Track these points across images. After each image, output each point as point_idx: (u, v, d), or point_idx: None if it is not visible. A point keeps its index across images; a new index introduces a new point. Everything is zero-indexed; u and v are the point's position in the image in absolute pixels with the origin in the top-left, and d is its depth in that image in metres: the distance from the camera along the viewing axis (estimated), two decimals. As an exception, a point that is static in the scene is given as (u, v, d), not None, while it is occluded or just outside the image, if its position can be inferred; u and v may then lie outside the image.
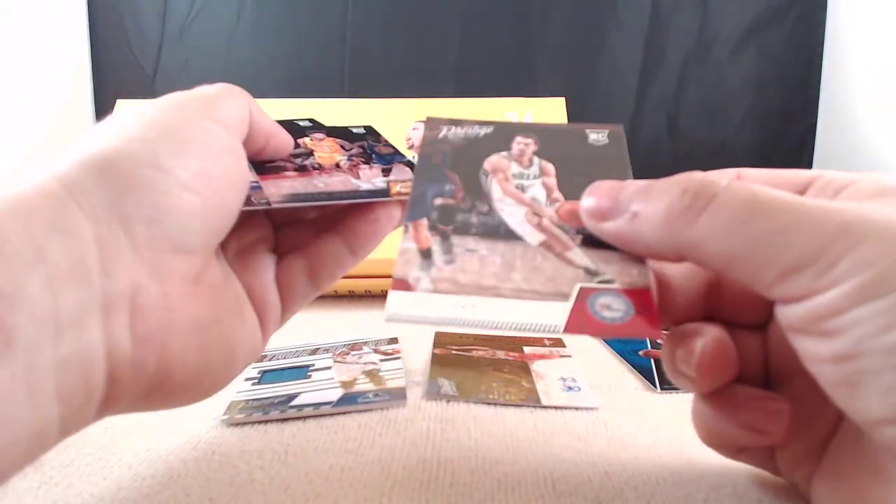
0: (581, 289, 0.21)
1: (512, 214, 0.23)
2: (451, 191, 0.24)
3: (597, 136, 0.26)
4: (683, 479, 0.27)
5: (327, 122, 0.32)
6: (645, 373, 0.39)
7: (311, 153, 0.29)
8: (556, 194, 0.24)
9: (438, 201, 0.24)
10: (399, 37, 0.90)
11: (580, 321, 0.20)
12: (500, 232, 0.23)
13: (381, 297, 0.60)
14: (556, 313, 0.20)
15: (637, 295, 0.20)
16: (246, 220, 0.26)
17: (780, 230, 0.17)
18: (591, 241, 0.22)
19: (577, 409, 0.34)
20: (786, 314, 0.18)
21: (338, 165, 0.29)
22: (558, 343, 0.45)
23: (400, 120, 0.63)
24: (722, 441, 0.24)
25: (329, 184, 0.28)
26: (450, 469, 0.27)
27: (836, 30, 0.92)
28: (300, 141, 0.29)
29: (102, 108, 0.87)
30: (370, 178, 0.29)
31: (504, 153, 0.25)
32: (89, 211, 0.18)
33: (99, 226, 0.18)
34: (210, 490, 0.25)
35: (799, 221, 0.17)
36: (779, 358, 0.23)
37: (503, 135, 0.26)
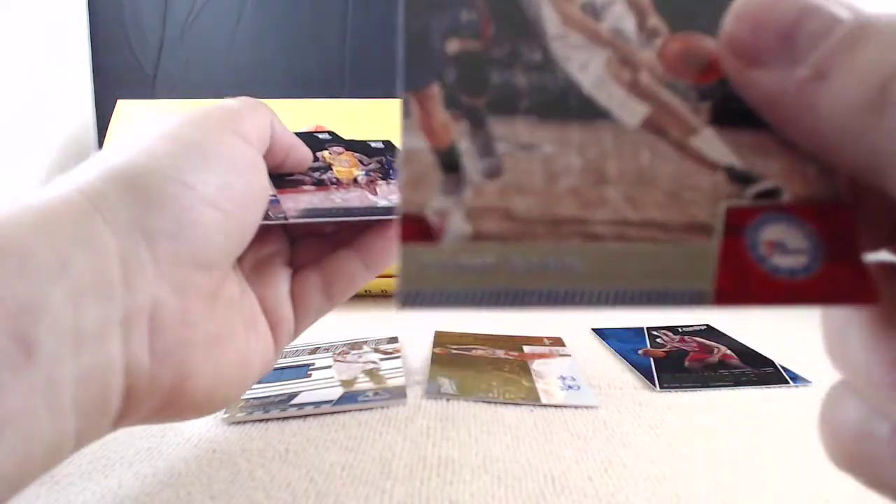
0: (730, 212, 0.12)
1: (585, 64, 0.13)
2: (472, 22, 0.13)
3: None
4: (683, 477, 0.27)
5: (327, 123, 0.32)
6: (644, 371, 0.40)
7: (329, 167, 0.29)
8: (654, 21, 0.13)
9: (454, 45, 0.13)
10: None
11: (739, 279, 0.11)
12: (571, 103, 0.13)
13: (381, 296, 0.60)
14: (692, 267, 0.12)
15: (826, 219, 0.12)
16: (263, 233, 0.26)
17: None
18: (732, 114, 0.13)
19: (576, 407, 0.34)
20: None
21: (355, 180, 0.29)
22: (558, 342, 0.45)
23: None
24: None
25: (346, 199, 0.28)
26: (450, 466, 0.27)
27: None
28: (319, 154, 0.29)
29: (102, 108, 0.87)
30: (387, 194, 0.29)
31: None
32: (113, 224, 0.18)
33: (122, 240, 0.18)
34: (211, 488, 0.25)
35: None
36: None
37: None
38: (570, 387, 0.37)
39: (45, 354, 0.15)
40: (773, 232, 0.12)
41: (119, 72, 0.88)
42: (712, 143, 0.13)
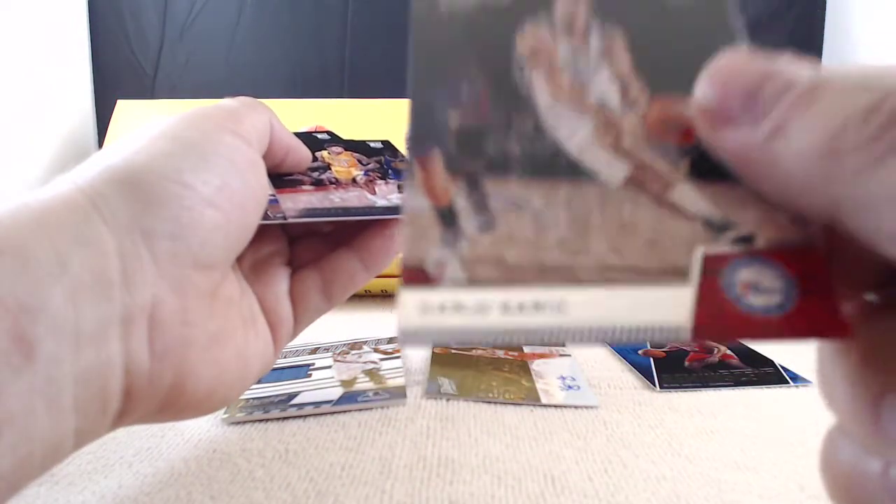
0: (707, 257, 0.13)
1: (573, 133, 0.15)
2: (471, 98, 0.15)
3: None
4: (682, 477, 0.27)
5: (327, 123, 0.32)
6: (644, 371, 0.40)
7: (328, 167, 0.29)
8: (636, 88, 0.15)
9: (455, 117, 0.15)
10: (399, 37, 0.90)
11: (715, 316, 0.12)
12: (560, 166, 0.14)
13: (381, 296, 0.60)
14: (671, 305, 0.12)
15: (799, 262, 0.13)
16: (262, 233, 0.26)
17: None
18: (707, 169, 0.14)
19: (576, 407, 0.34)
20: None
21: (354, 180, 0.29)
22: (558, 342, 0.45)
23: (399, 120, 0.63)
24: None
25: (345, 199, 0.28)
26: (450, 467, 0.27)
27: (835, 30, 0.92)
28: (318, 154, 0.29)
29: (102, 108, 0.87)
30: (386, 194, 0.29)
31: (544, 22, 0.16)
32: (113, 224, 0.18)
33: (122, 239, 0.18)
34: (211, 488, 0.25)
35: None
36: None
37: None
38: (570, 387, 0.37)
39: (44, 354, 0.15)
40: (747, 274, 0.13)
41: (119, 72, 0.88)
42: (689, 197, 0.14)
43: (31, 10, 0.77)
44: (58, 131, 0.81)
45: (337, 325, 0.50)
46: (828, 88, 0.12)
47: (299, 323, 0.27)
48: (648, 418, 0.33)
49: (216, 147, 0.21)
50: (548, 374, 0.38)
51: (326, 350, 0.42)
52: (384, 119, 0.63)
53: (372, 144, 0.32)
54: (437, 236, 0.14)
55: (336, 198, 0.28)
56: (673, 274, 0.13)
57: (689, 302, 0.12)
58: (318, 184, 0.28)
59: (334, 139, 0.31)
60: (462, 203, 0.14)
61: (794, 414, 0.34)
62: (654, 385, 0.38)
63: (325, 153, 0.30)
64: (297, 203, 0.26)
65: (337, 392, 0.35)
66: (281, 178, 0.27)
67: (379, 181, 0.30)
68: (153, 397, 0.19)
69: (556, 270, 0.13)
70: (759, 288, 0.12)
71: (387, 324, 0.51)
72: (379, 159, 0.31)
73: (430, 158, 0.15)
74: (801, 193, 0.12)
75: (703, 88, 0.13)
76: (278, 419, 0.32)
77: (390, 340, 0.45)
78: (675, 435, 0.31)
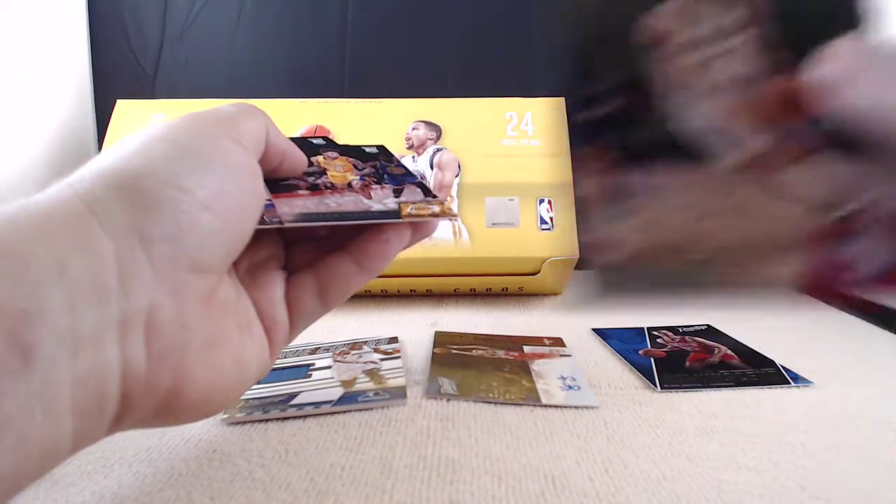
0: (810, 235, 0.17)
1: (696, 114, 0.19)
2: (609, 93, 0.19)
3: None
4: (683, 477, 0.27)
5: (327, 123, 0.32)
6: (645, 372, 0.40)
7: (323, 172, 0.29)
8: (758, 64, 0.19)
9: (600, 111, 0.18)
10: (399, 37, 0.90)
11: (824, 277, 0.15)
12: (684, 149, 0.18)
13: (381, 296, 0.60)
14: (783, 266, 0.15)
15: None
16: (258, 237, 0.26)
17: None
18: (822, 145, 0.18)
19: (576, 407, 0.34)
20: None
21: (350, 185, 0.29)
22: (558, 343, 0.45)
23: (400, 120, 0.63)
24: None
25: (341, 204, 0.28)
26: (450, 467, 0.27)
27: (835, 29, 0.93)
28: (313, 159, 0.30)
29: (102, 108, 0.87)
30: (381, 198, 0.29)
31: None
32: (110, 228, 0.18)
33: (119, 243, 0.18)
34: (211, 489, 0.25)
35: None
36: None
37: None
38: (570, 387, 0.37)
39: (42, 359, 0.15)
40: (852, 248, 0.14)
41: (119, 72, 0.88)
42: (799, 180, 0.15)
43: (30, 9, 0.77)
44: (57, 131, 0.81)
45: (337, 325, 0.50)
46: None
47: (295, 327, 0.27)
48: (649, 418, 0.33)
49: (213, 151, 0.21)
50: (548, 374, 0.38)
51: (326, 350, 0.42)
52: (384, 119, 0.63)
53: (367, 149, 0.32)
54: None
55: (332, 202, 0.28)
56: (783, 249, 0.15)
57: (800, 264, 0.14)
58: (314, 188, 0.28)
59: (330, 144, 0.31)
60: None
61: (794, 414, 0.34)
62: (655, 385, 0.38)
63: (320, 158, 0.30)
64: (293, 208, 0.26)
65: (337, 392, 0.35)
66: (277, 183, 0.27)
67: (374, 186, 0.30)
68: (150, 401, 0.19)
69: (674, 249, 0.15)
70: (865, 256, 0.14)
71: (387, 324, 0.51)
72: (374, 164, 0.31)
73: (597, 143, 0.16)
74: None
75: (822, 67, 0.15)
76: (278, 419, 0.32)
77: (390, 340, 0.44)
78: (675, 435, 0.31)
